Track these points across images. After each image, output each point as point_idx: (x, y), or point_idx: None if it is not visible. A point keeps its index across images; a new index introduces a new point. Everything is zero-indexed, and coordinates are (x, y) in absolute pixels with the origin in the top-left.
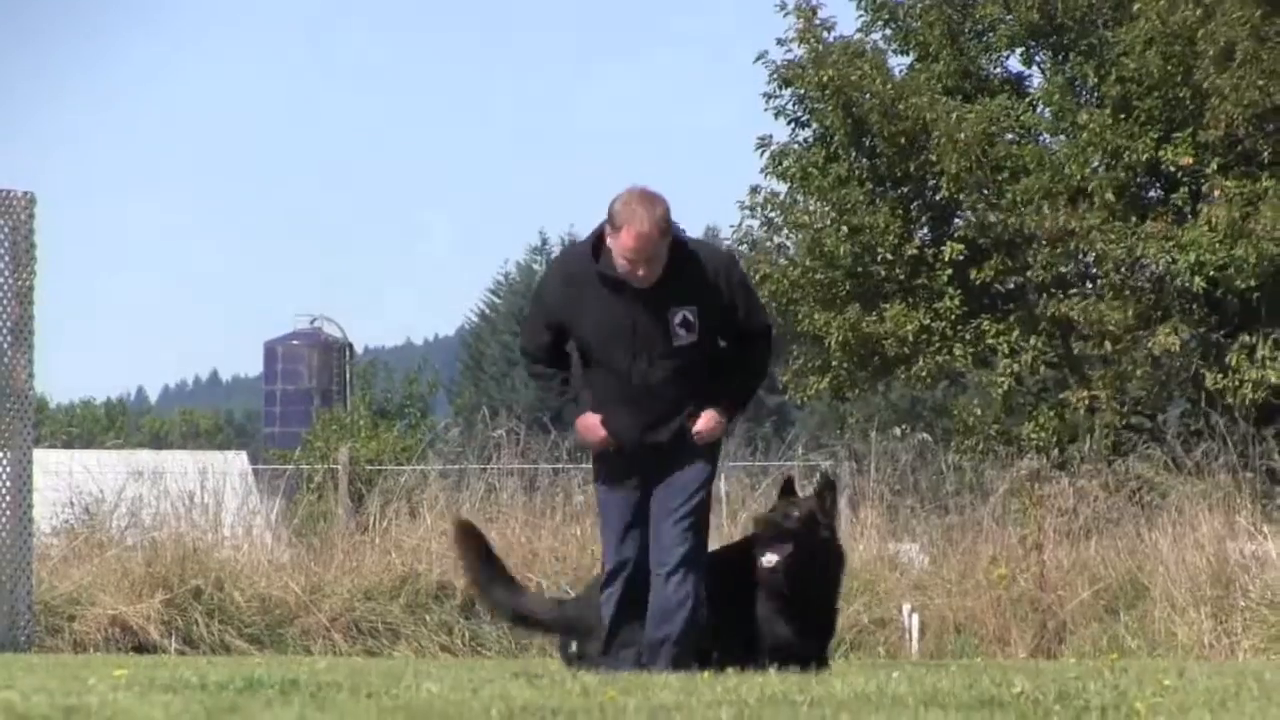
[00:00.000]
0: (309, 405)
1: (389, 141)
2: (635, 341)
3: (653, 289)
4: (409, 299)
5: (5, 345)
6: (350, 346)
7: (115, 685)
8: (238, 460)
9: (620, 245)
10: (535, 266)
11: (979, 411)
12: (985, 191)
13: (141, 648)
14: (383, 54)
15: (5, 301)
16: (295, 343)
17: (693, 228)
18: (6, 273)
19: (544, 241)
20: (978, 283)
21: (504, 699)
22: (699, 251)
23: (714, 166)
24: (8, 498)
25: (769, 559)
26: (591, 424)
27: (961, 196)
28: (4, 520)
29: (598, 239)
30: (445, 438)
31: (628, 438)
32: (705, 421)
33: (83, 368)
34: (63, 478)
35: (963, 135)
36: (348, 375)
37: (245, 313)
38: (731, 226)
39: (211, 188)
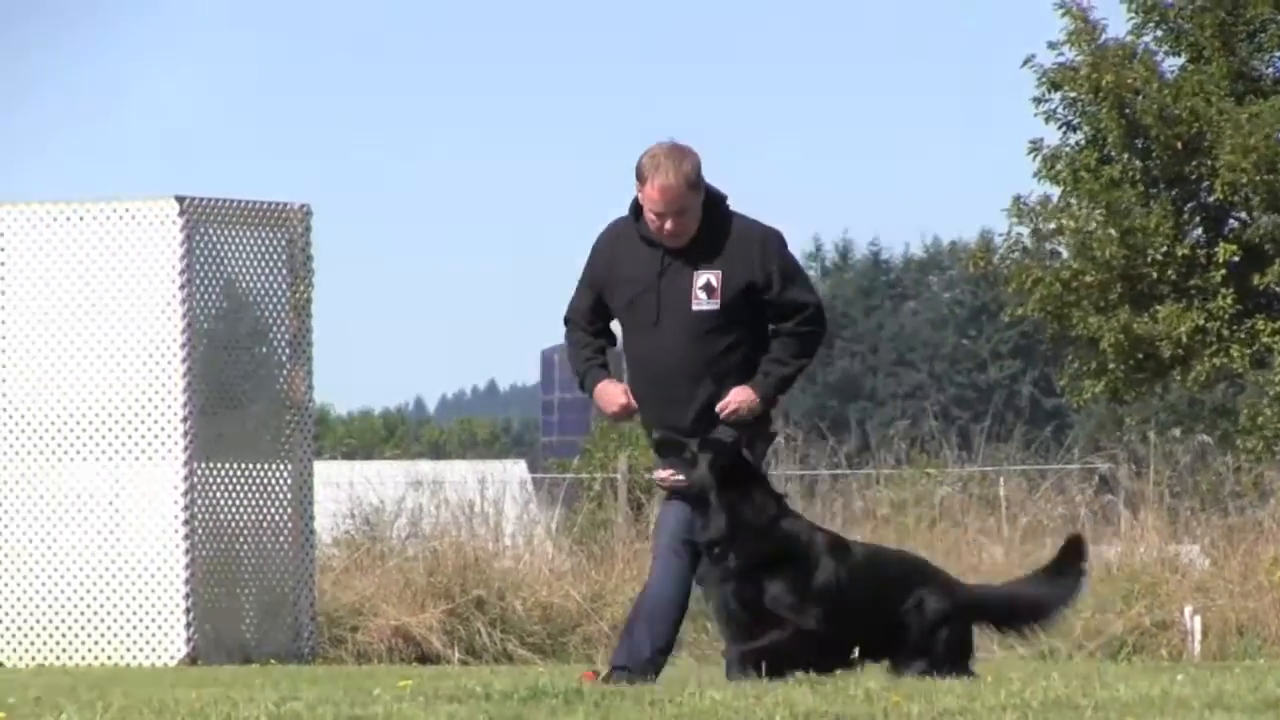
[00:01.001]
0: (586, 414)
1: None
2: (660, 303)
3: (684, 250)
4: None
5: (284, 358)
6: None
7: (399, 696)
8: (517, 469)
9: (646, 198)
10: (810, 272)
11: (1268, 411)
12: (1268, 194)
13: (424, 658)
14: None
15: (283, 314)
16: None
17: (967, 234)
18: (284, 285)
19: (818, 247)
20: (1260, 287)
21: (787, 705)
22: (739, 219)
23: (977, 172)
24: (289, 509)
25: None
26: (611, 392)
27: (1236, 200)
28: (286, 532)
29: (638, 199)
30: None
31: (649, 413)
32: (734, 395)
33: (361, 379)
34: (343, 489)
35: (1253, 139)
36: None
37: (523, 322)
38: (1001, 235)
39: (487, 195)
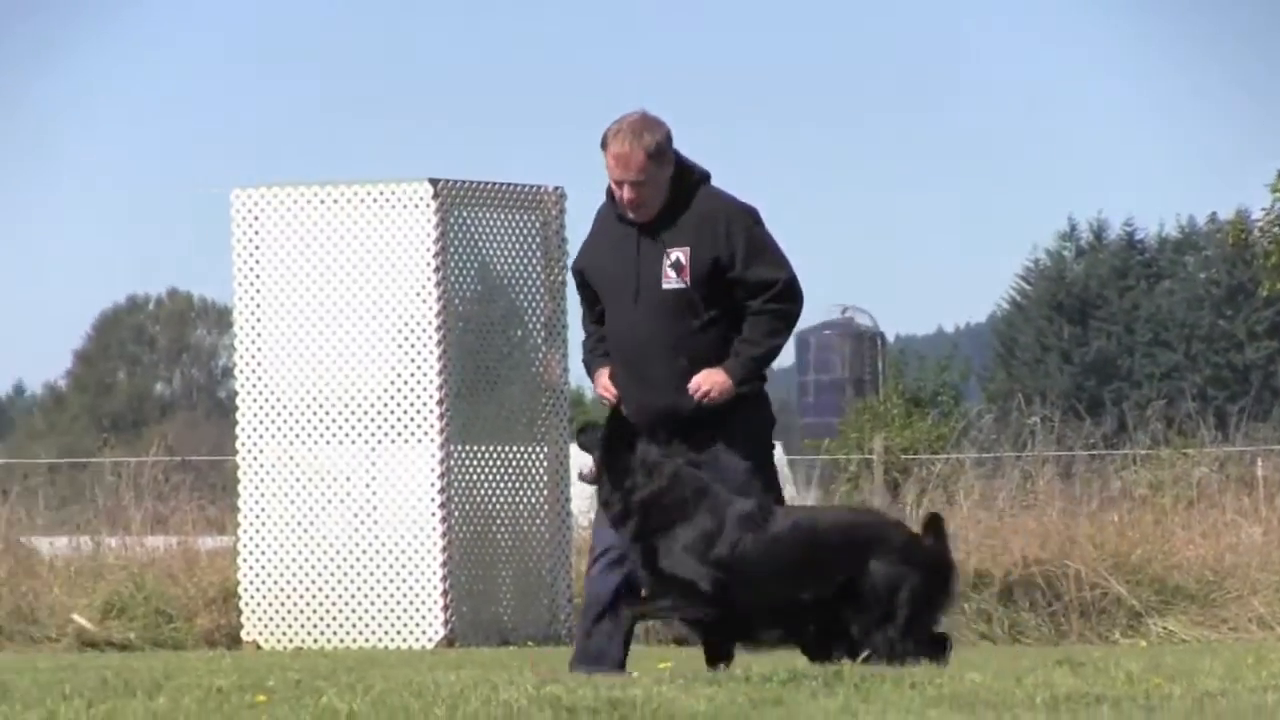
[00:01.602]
0: (842, 395)
1: (906, 126)
2: (634, 284)
3: (654, 228)
4: (939, 287)
5: (539, 341)
6: (882, 335)
7: (659, 678)
8: (775, 450)
9: (606, 165)
10: (1065, 253)
11: None
12: None
13: (682, 640)
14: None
15: (538, 297)
16: (827, 333)
17: (1223, 213)
18: (538, 268)
19: (1073, 228)
20: None
21: (1048, 686)
22: (713, 197)
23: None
24: (545, 492)
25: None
26: (604, 382)
27: None
28: (542, 514)
29: None
30: (979, 426)
31: (624, 394)
32: (704, 377)
33: None
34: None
35: None
36: (880, 364)
37: None
38: (1263, 209)
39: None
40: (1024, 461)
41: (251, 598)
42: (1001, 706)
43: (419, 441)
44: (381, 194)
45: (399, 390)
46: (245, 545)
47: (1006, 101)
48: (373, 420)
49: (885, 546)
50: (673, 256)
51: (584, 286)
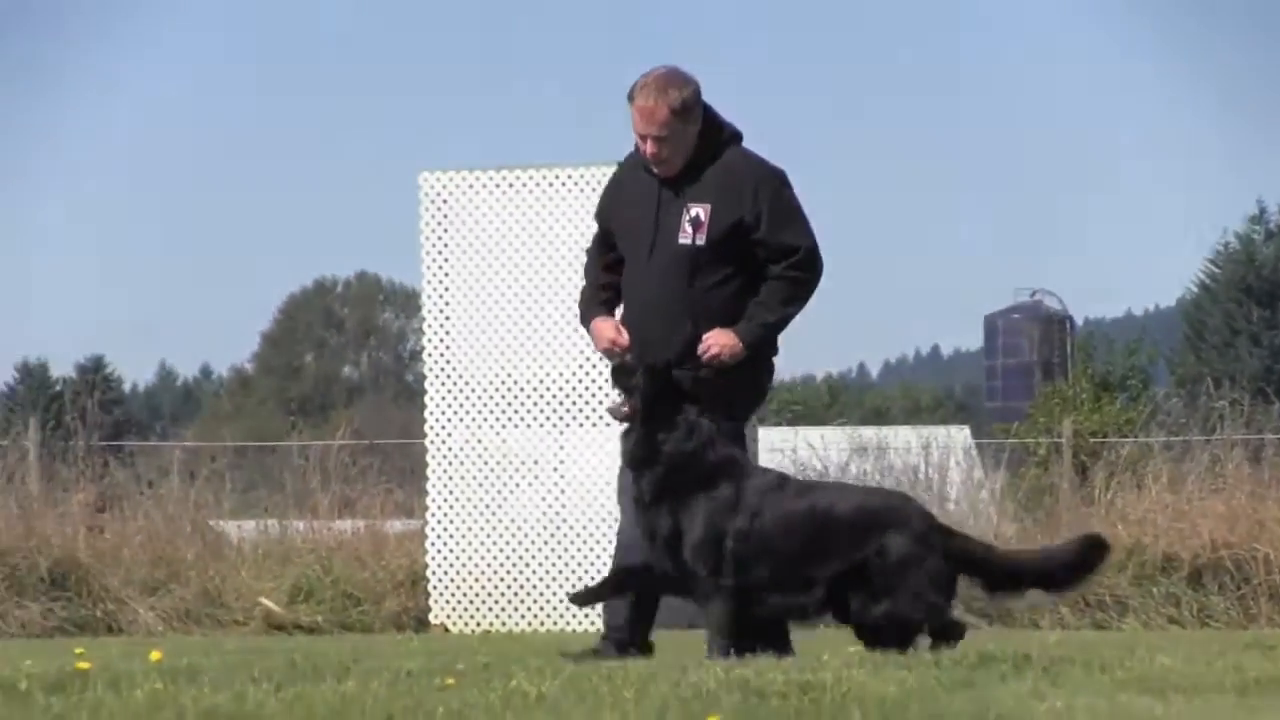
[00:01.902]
0: (1030, 379)
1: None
2: (651, 237)
3: (678, 182)
4: (1128, 270)
5: None
6: (1070, 319)
7: (848, 661)
8: (960, 435)
9: (632, 120)
10: (1254, 236)
11: None
12: None
13: None
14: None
15: None
16: (1016, 316)
17: None
18: None
19: (1261, 211)
20: None
21: (1237, 670)
22: (743, 157)
23: None
24: None
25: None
26: (600, 328)
27: None
28: None
29: None
30: (1167, 409)
31: (634, 348)
32: (714, 336)
33: (804, 345)
34: (787, 454)
35: None
36: (1069, 348)
37: (965, 287)
38: None
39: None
40: (1213, 445)
41: (439, 581)
42: (1191, 690)
43: (606, 425)
44: (569, 177)
45: (586, 374)
46: (433, 529)
47: (1197, 85)
48: (560, 403)
49: (902, 528)
50: (692, 212)
51: (603, 235)
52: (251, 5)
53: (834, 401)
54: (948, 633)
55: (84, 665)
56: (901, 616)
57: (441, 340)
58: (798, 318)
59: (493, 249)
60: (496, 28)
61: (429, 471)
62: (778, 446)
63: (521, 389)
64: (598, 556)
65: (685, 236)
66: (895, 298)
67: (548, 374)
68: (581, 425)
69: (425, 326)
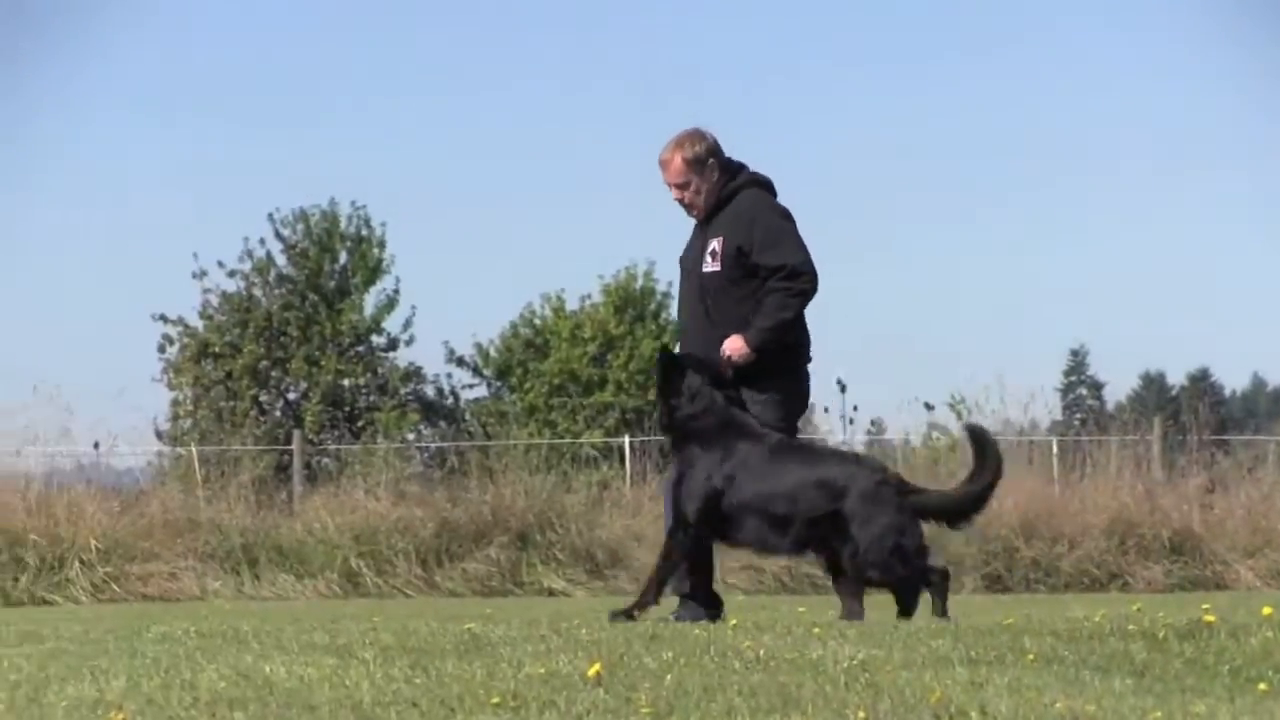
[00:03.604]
0: None
1: None
2: (691, 268)
3: (705, 222)
4: None
5: None
6: None
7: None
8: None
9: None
10: None
11: None
12: None
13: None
14: None
15: None
16: None
17: None
18: None
19: None
20: None
21: None
22: (749, 196)
23: None
24: None
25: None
26: None
27: None
28: None
29: None
30: None
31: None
32: (728, 343)
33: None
34: None
35: None
36: None
37: None
38: None
39: None
40: None
41: None
42: None
43: None
44: None
45: None
46: None
47: None
48: None
49: (858, 489)
50: (711, 245)
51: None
52: None
53: None
54: (911, 581)
55: (1209, 619)
56: (859, 564)
57: None
58: None
59: None
60: None
61: None
62: None
63: None
64: None
65: (707, 265)
66: None
67: None
68: None
69: None
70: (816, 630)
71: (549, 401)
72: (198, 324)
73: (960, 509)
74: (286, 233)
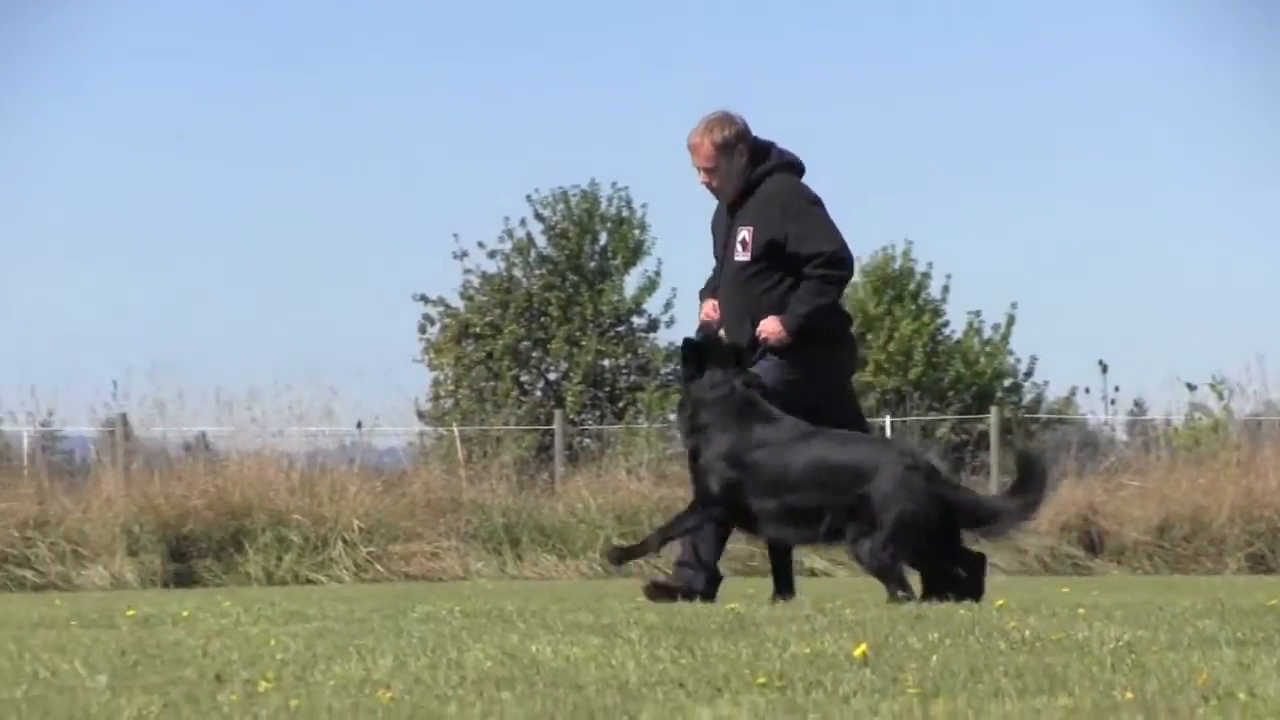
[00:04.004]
0: None
1: None
2: (722, 252)
3: (734, 207)
4: None
5: None
6: None
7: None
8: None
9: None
10: None
11: None
12: None
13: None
14: None
15: None
16: None
17: None
18: None
19: None
20: None
21: None
22: (778, 182)
23: None
24: None
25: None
26: (704, 305)
27: None
28: None
29: None
30: None
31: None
32: (764, 325)
33: None
34: None
35: None
36: None
37: None
38: None
39: None
40: None
41: None
42: None
43: None
44: None
45: None
46: None
47: None
48: None
49: (885, 473)
50: (740, 234)
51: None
52: None
53: None
54: (939, 571)
55: None
56: (879, 553)
57: None
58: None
59: None
60: None
61: None
62: None
63: None
64: None
65: (738, 254)
66: None
67: None
68: None
69: None
70: (1081, 611)
71: None
72: (458, 304)
73: (989, 517)
74: (546, 213)
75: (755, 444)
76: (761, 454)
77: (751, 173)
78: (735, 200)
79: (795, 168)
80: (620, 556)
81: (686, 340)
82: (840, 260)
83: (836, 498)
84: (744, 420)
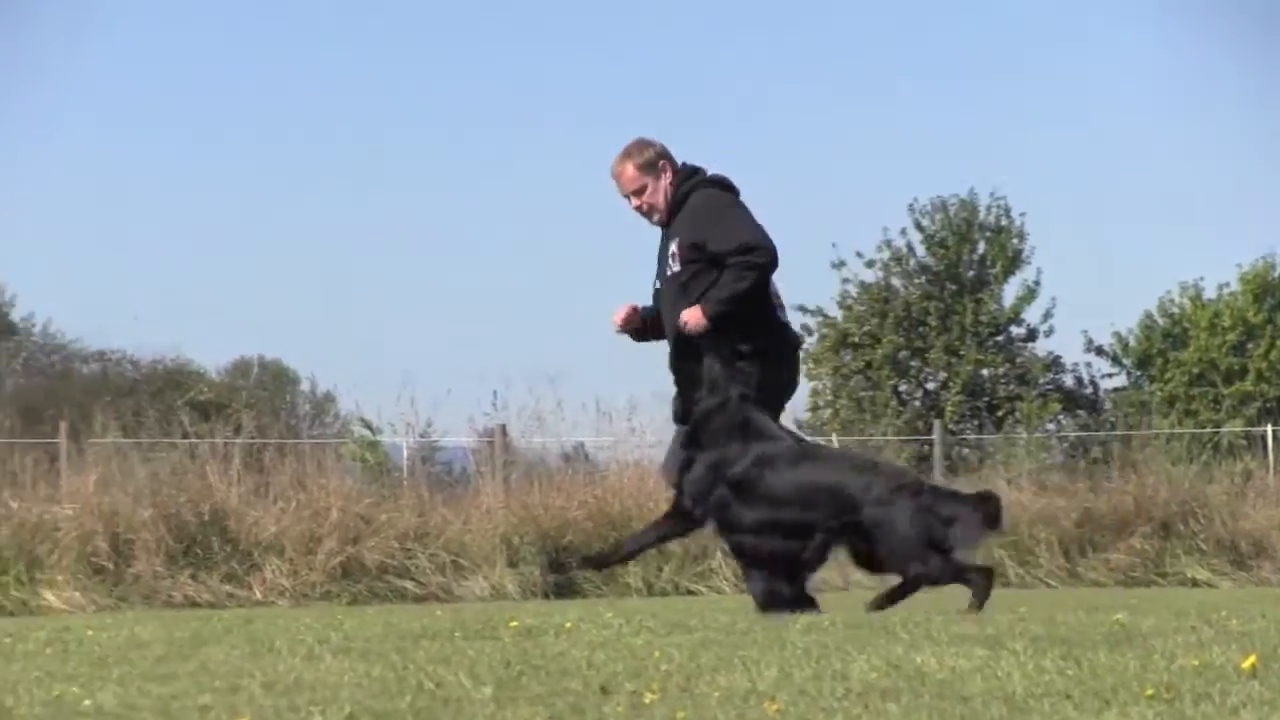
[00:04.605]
0: None
1: None
2: (659, 271)
3: (667, 226)
4: None
5: None
6: None
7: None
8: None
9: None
10: None
11: None
12: None
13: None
14: None
15: None
16: None
17: None
18: None
19: None
20: None
21: None
22: (700, 196)
23: None
24: None
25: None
26: (619, 308)
27: None
28: None
29: None
30: None
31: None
32: (684, 314)
33: None
34: None
35: None
36: None
37: None
38: None
39: None
40: None
41: None
42: None
43: None
44: None
45: None
46: None
47: None
48: None
49: (872, 497)
50: (672, 248)
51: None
52: None
53: None
54: (943, 578)
55: None
56: (896, 567)
57: None
58: None
59: None
60: None
61: None
62: None
63: None
64: None
65: (671, 269)
66: None
67: None
68: None
69: None
70: None
71: (1189, 391)
72: (836, 314)
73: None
74: (925, 223)
75: (750, 459)
76: (754, 470)
77: (678, 190)
78: (666, 220)
79: (722, 184)
80: (592, 564)
81: (674, 347)
82: (756, 248)
83: (827, 519)
84: (741, 434)
